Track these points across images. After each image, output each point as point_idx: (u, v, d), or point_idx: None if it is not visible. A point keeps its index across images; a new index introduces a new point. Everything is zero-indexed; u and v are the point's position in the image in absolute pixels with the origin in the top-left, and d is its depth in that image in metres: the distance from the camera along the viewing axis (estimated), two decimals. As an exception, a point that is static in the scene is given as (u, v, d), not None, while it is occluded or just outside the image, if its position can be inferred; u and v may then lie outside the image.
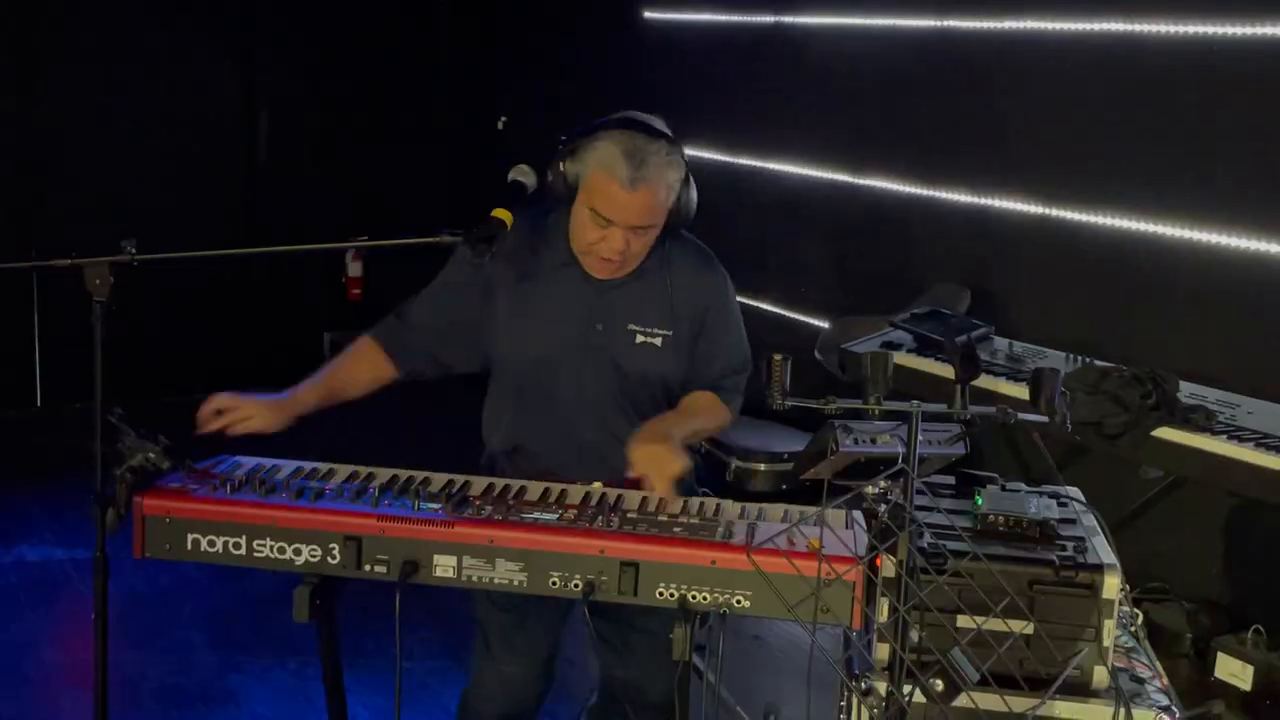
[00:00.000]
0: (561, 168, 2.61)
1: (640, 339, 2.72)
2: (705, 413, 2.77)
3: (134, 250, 2.39)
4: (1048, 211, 4.65)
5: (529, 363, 2.73)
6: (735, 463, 5.35)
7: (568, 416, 2.74)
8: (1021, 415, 2.04)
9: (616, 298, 2.71)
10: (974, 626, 2.13)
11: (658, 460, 2.52)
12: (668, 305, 2.73)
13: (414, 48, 7.74)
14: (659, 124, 2.65)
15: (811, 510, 2.41)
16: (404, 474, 2.57)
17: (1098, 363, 4.00)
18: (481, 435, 2.87)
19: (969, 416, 2.07)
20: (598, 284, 2.70)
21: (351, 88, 7.50)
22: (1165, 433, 3.67)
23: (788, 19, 5.81)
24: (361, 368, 2.82)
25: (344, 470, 2.57)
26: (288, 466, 2.59)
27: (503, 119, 7.63)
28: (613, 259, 2.63)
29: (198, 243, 2.60)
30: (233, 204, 7.15)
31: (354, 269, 7.61)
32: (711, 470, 5.74)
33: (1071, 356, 4.17)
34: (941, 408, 2.06)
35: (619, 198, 2.55)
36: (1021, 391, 3.93)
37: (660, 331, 2.72)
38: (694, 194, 2.68)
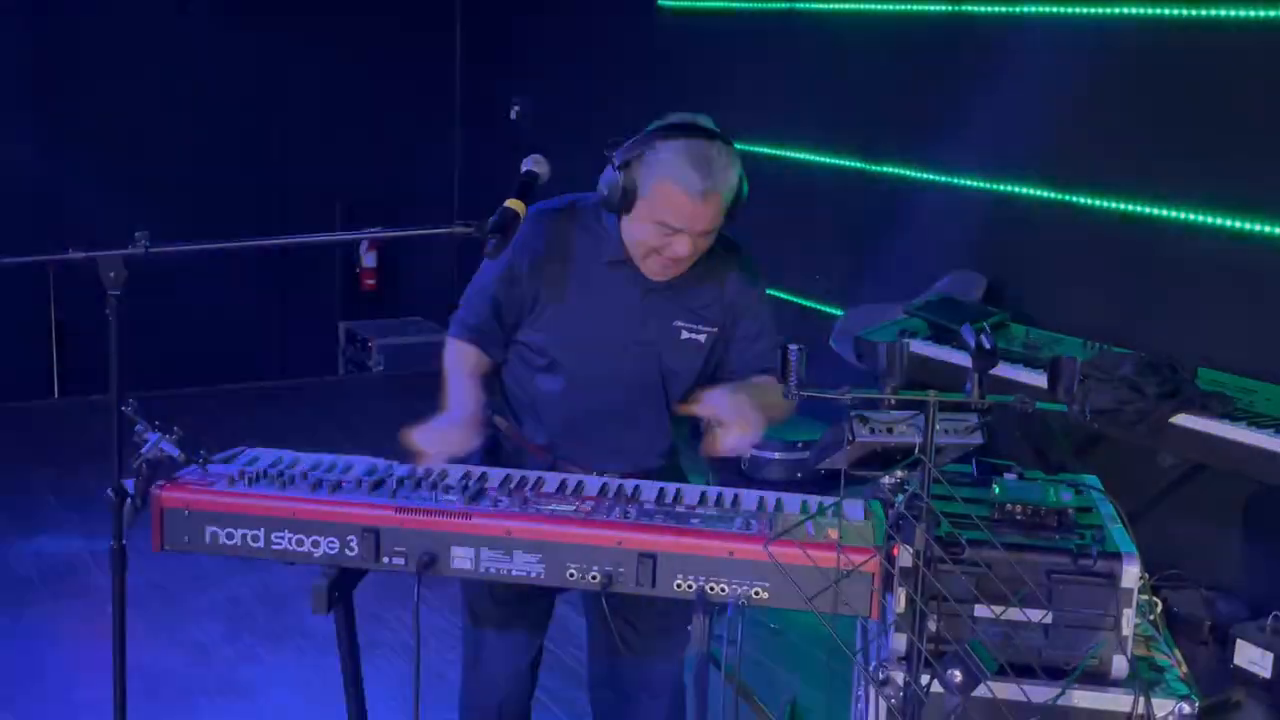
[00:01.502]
0: (620, 179, 2.55)
1: (685, 335, 2.72)
2: (772, 393, 2.61)
3: (147, 243, 2.39)
4: (1064, 197, 4.63)
5: (577, 357, 2.73)
6: (750, 451, 5.34)
7: (604, 410, 2.75)
8: (1040, 404, 2.03)
9: (664, 296, 2.70)
10: (992, 616, 2.13)
11: (741, 408, 2.51)
12: (710, 302, 2.74)
13: (427, 37, 7.73)
14: (709, 123, 2.61)
15: (829, 501, 2.40)
16: (421, 466, 2.57)
17: (1115, 349, 3.98)
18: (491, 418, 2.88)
19: (986, 406, 2.05)
20: (646, 282, 2.68)
21: (365, 78, 7.50)
22: (1183, 419, 3.66)
23: (801, 5, 5.79)
24: (479, 362, 2.78)
25: (362, 462, 2.58)
26: (306, 459, 2.59)
27: (516, 109, 7.62)
28: (681, 263, 2.61)
29: (212, 235, 2.60)
30: (247, 195, 7.16)
31: (368, 259, 7.63)
32: (726, 459, 5.73)
33: (1088, 343, 4.16)
34: (959, 397, 2.05)
35: (689, 208, 2.51)
36: (1038, 379, 3.93)
37: (705, 329, 2.73)
38: (746, 187, 2.64)
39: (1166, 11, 4.21)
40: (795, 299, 5.90)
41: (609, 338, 2.71)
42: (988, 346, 2.05)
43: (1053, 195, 4.67)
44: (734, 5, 6.20)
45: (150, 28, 6.84)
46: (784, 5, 5.87)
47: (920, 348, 4.32)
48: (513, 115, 7.64)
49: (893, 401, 2.05)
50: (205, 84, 7.04)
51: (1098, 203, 4.49)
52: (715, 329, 2.74)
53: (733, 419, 2.52)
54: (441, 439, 2.54)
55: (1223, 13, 4.05)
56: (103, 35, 6.73)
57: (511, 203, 2.50)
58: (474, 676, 2.96)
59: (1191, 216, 4.18)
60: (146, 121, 6.85)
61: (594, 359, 2.72)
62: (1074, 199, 4.59)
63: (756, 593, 2.25)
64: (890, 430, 2.12)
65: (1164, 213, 4.27)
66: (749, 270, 2.79)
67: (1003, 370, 4.04)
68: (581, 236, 2.70)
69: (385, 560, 2.34)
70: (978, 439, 2.20)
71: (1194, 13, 4.13)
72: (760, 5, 6.02)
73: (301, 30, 7.28)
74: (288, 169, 7.31)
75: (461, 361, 2.74)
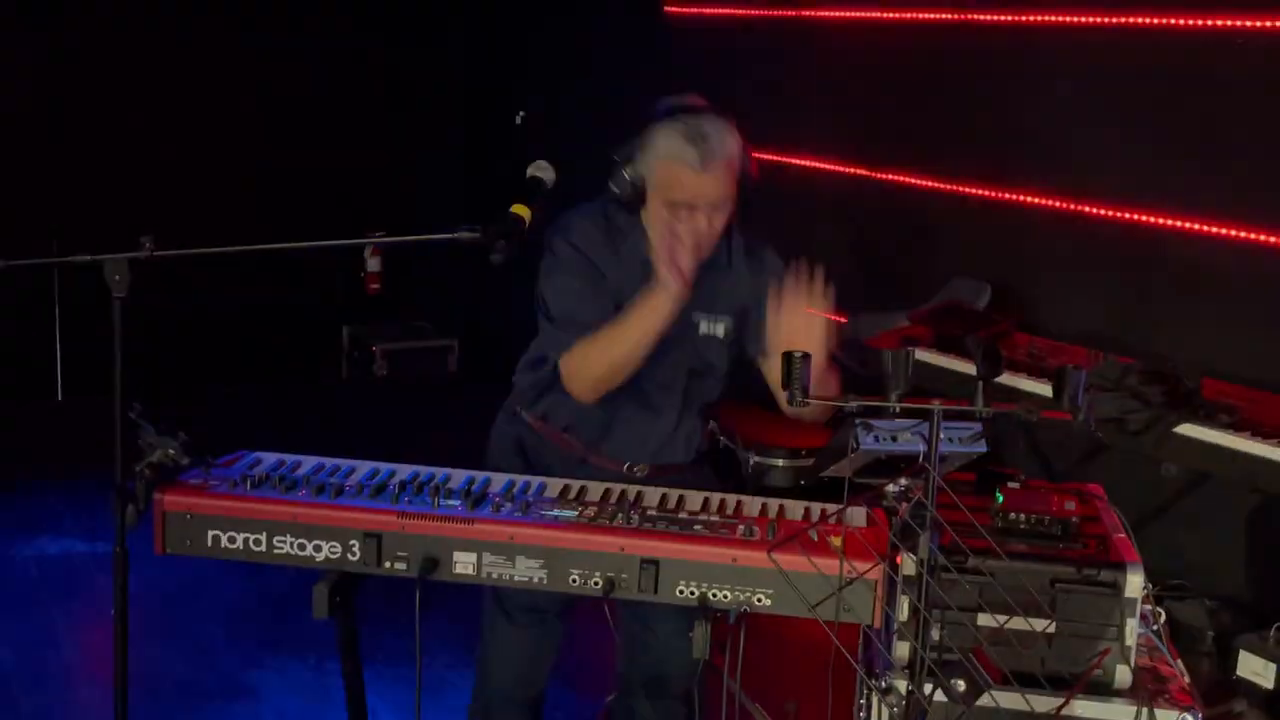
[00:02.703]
0: (626, 175, 2.60)
1: (704, 328, 2.74)
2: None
3: (152, 246, 2.39)
4: (1069, 206, 4.62)
5: None
6: (754, 458, 5.33)
7: (631, 403, 2.76)
8: (1044, 413, 2.02)
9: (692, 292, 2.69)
10: (996, 625, 2.12)
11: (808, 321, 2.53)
12: (737, 292, 2.75)
13: (432, 41, 7.74)
14: (699, 100, 2.65)
15: (832, 508, 2.40)
16: (424, 470, 2.57)
17: (1119, 359, 3.98)
18: (509, 411, 2.89)
19: (990, 415, 2.05)
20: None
21: (370, 82, 7.51)
22: (1188, 429, 3.65)
23: (807, 12, 5.79)
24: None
25: (364, 467, 2.58)
26: (308, 463, 2.59)
27: (521, 114, 7.62)
28: (703, 243, 2.61)
29: (217, 239, 2.60)
30: (251, 200, 7.17)
31: (372, 264, 7.63)
32: (730, 466, 5.73)
33: (1093, 352, 4.15)
34: (963, 406, 2.05)
35: (693, 181, 2.55)
36: (1043, 388, 3.93)
37: (724, 320, 2.75)
38: (749, 157, 2.67)
39: (1172, 20, 4.21)
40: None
41: None
42: (993, 356, 2.05)
43: (1058, 204, 4.66)
44: (740, 11, 6.20)
45: (156, 31, 6.84)
46: (791, 12, 5.87)
47: (925, 355, 4.31)
48: (518, 120, 7.64)
49: (897, 410, 2.05)
50: (209, 88, 7.04)
51: (1103, 211, 4.48)
52: (731, 320, 2.75)
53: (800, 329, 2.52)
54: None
55: (1229, 23, 4.04)
56: (109, 38, 6.73)
57: (517, 208, 2.50)
58: (487, 674, 2.97)
59: (1197, 225, 4.17)
60: (151, 125, 6.85)
61: None
62: (1079, 208, 4.58)
63: (758, 599, 2.24)
64: (895, 438, 2.12)
65: (1170, 222, 4.26)
66: (767, 255, 2.81)
67: (1007, 379, 4.03)
68: (609, 234, 2.72)
69: (387, 565, 2.33)
70: (982, 447, 2.20)
71: (1200, 22, 4.13)
72: (767, 12, 6.02)
73: (307, 34, 7.29)
74: (293, 173, 7.31)
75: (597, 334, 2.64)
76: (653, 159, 2.59)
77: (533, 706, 3.00)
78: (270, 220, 7.19)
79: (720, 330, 2.76)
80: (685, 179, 2.55)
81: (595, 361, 2.62)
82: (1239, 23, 4.00)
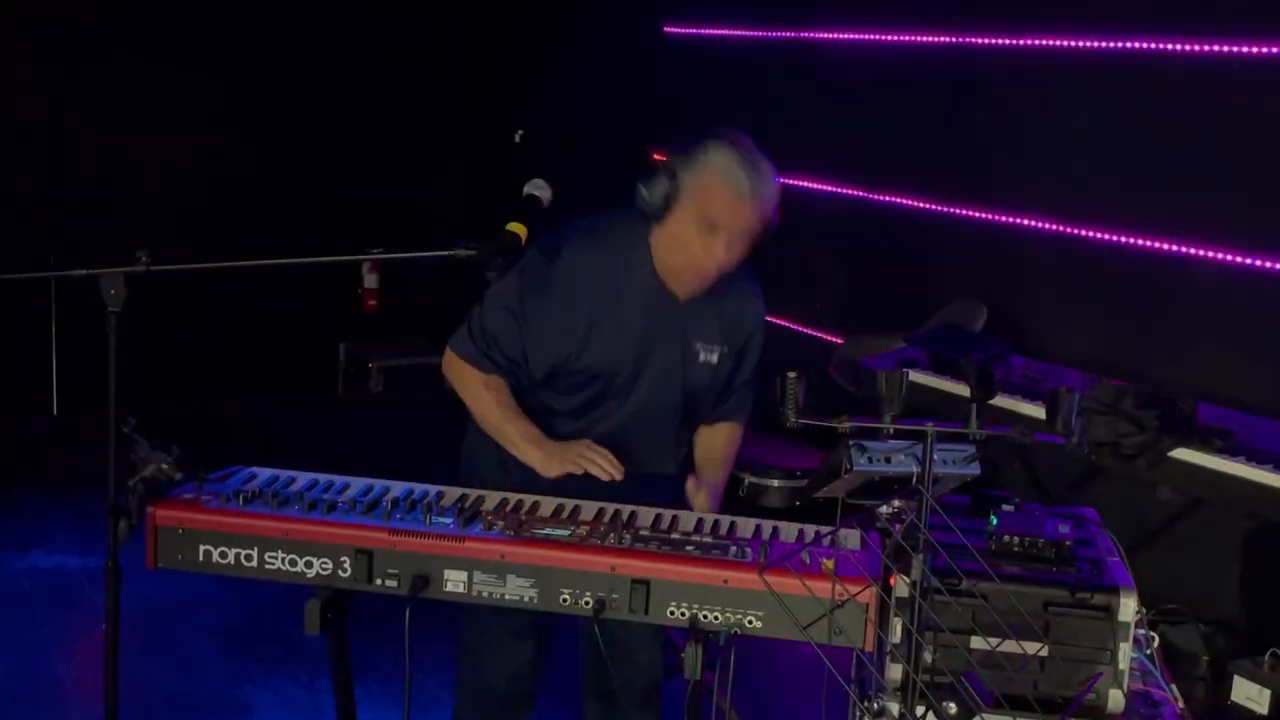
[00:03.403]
0: (665, 182, 2.61)
1: (702, 357, 2.78)
2: (733, 451, 2.96)
3: (148, 261, 2.39)
4: (1065, 229, 4.63)
5: (602, 377, 2.75)
6: (748, 478, 5.33)
7: (621, 428, 2.79)
8: (1038, 436, 2.02)
9: (688, 317, 2.75)
10: (988, 648, 2.12)
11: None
12: (726, 324, 2.80)
13: (431, 60, 7.76)
14: (747, 139, 2.68)
15: (825, 529, 2.40)
16: (418, 487, 2.57)
17: (1114, 382, 3.98)
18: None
19: (984, 437, 2.05)
20: (673, 305, 2.73)
21: (369, 100, 7.52)
22: (1183, 453, 3.65)
23: (806, 34, 5.80)
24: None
25: (358, 483, 2.57)
26: (302, 479, 2.59)
27: (519, 132, 7.64)
28: (710, 271, 2.64)
29: (215, 253, 2.60)
30: (249, 215, 7.17)
31: (370, 281, 7.63)
32: (726, 486, 5.72)
33: (1089, 376, 4.15)
34: (957, 427, 2.05)
35: (735, 204, 2.58)
36: (1038, 410, 3.93)
37: (718, 348, 2.79)
38: (778, 206, 2.70)
39: (1169, 46, 4.22)
40: (794, 325, 5.90)
41: (634, 354, 2.74)
42: (987, 378, 2.05)
43: (1054, 227, 4.67)
44: (739, 33, 6.22)
45: (159, 51, 6.85)
46: (789, 34, 5.89)
47: (920, 377, 4.31)
48: (516, 139, 7.66)
49: (891, 431, 2.05)
50: (209, 104, 7.05)
51: (1100, 235, 4.49)
52: (725, 349, 2.80)
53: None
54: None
55: (1225, 48, 4.06)
56: (114, 55, 6.75)
57: (513, 226, 2.51)
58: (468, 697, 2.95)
59: (1195, 250, 4.18)
60: (152, 141, 6.85)
61: (619, 372, 2.74)
62: (1075, 231, 4.58)
63: (750, 621, 2.24)
64: (888, 460, 2.12)
65: (1166, 246, 4.27)
66: (761, 301, 2.86)
67: (1002, 401, 4.03)
68: (612, 254, 2.72)
69: (378, 582, 2.33)
70: (976, 470, 2.19)
71: (1197, 48, 4.14)
72: (765, 33, 6.04)
73: (305, 54, 7.30)
74: (292, 190, 7.31)
75: (497, 394, 2.76)
76: (702, 173, 2.60)
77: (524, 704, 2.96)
78: (269, 235, 7.21)
79: (715, 358, 2.79)
80: (728, 199, 2.58)
81: (467, 398, 2.79)
82: (1237, 49, 4.01)
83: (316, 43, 7.33)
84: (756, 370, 2.91)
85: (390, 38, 7.56)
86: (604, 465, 2.65)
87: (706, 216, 2.59)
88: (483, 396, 2.76)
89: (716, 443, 2.94)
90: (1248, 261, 4.01)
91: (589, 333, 2.69)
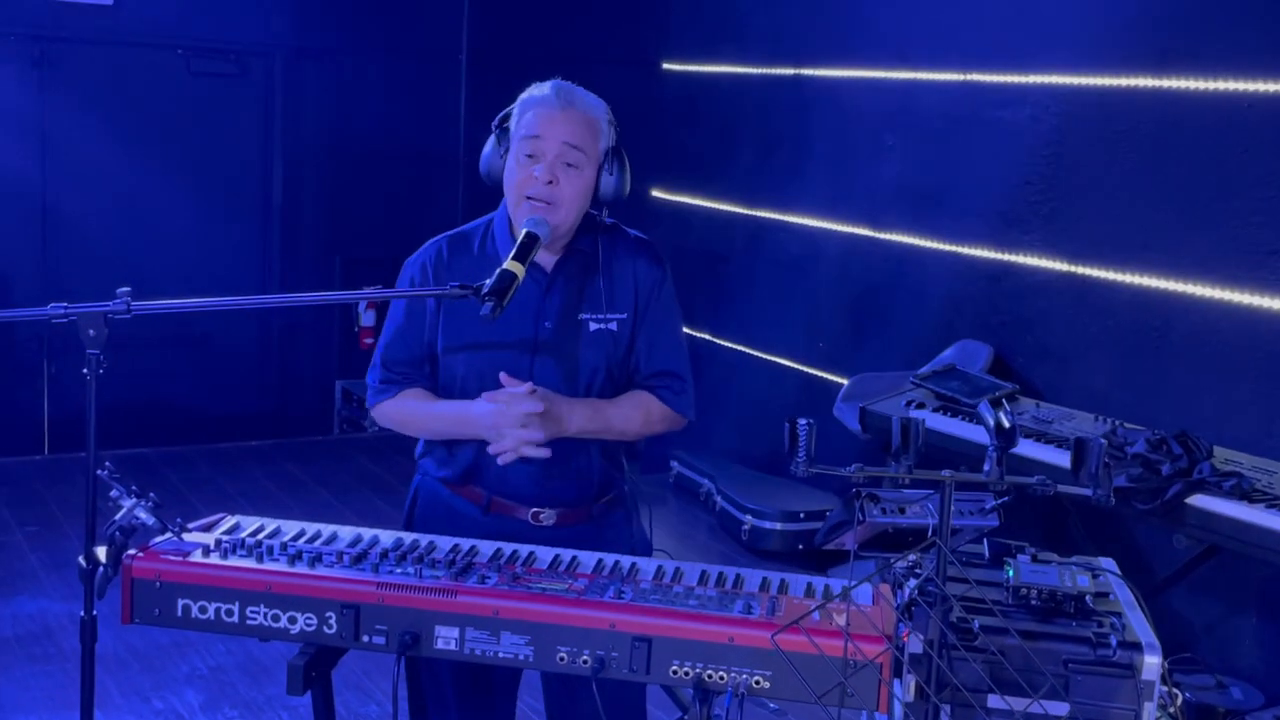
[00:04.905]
0: (494, 137, 2.69)
1: (595, 327, 2.66)
2: (630, 408, 2.68)
3: (129, 299, 2.30)
4: (1072, 269, 4.55)
5: (476, 372, 2.64)
6: (750, 522, 5.23)
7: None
8: (1062, 487, 1.92)
9: (562, 292, 2.64)
10: (1006, 707, 2.01)
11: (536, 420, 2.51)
12: (613, 290, 2.68)
13: (432, 93, 7.70)
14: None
15: (836, 584, 2.29)
16: (408, 537, 2.46)
17: (1127, 425, 3.89)
18: (416, 458, 2.82)
19: (1006, 487, 1.95)
20: (543, 283, 2.63)
21: (367, 134, 7.46)
22: (1198, 499, 3.56)
23: (807, 71, 5.75)
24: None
25: (347, 533, 2.46)
26: (288, 528, 2.48)
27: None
28: (541, 195, 2.56)
29: (211, 289, 2.52)
30: (246, 250, 7.10)
31: (366, 318, 7.56)
32: (726, 529, 5.62)
33: (1100, 419, 4.06)
34: (976, 477, 1.95)
35: (548, 115, 2.59)
36: (1048, 454, 3.83)
37: (614, 316, 2.67)
38: (628, 174, 2.66)
39: (1178, 83, 4.16)
40: (798, 365, 5.81)
41: (505, 341, 2.62)
42: (1008, 424, 1.95)
43: (1061, 267, 4.59)
44: (740, 69, 6.16)
45: (150, 78, 6.79)
46: (790, 71, 5.83)
47: (926, 420, 4.22)
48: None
49: (906, 480, 1.95)
50: (207, 136, 6.99)
51: (1108, 275, 4.41)
52: (625, 315, 2.68)
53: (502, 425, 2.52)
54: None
55: (1234, 86, 3.99)
56: (103, 87, 6.69)
57: (510, 264, 2.43)
58: None
59: (1206, 292, 4.10)
60: (144, 174, 6.78)
61: (492, 362, 2.61)
62: (1083, 271, 4.51)
63: (757, 682, 2.12)
64: (902, 510, 2.02)
65: (1177, 287, 4.19)
66: (657, 259, 2.75)
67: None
68: (466, 254, 2.71)
69: (365, 639, 2.21)
70: (994, 521, 2.10)
71: (1205, 86, 4.08)
72: (766, 71, 5.99)
73: (303, 84, 7.25)
74: (287, 224, 7.25)
75: (422, 401, 2.69)
76: (517, 108, 2.65)
77: None
78: (265, 271, 7.14)
79: (614, 324, 2.66)
80: (541, 113, 2.60)
81: (414, 426, 2.72)
82: (1248, 87, 3.95)
83: (317, 74, 7.27)
84: (681, 361, 2.74)
85: (390, 68, 7.51)
86: (532, 445, 2.53)
87: (527, 134, 2.59)
88: (418, 410, 2.68)
89: (630, 395, 2.71)
90: (1264, 304, 3.93)
91: (446, 320, 2.64)
